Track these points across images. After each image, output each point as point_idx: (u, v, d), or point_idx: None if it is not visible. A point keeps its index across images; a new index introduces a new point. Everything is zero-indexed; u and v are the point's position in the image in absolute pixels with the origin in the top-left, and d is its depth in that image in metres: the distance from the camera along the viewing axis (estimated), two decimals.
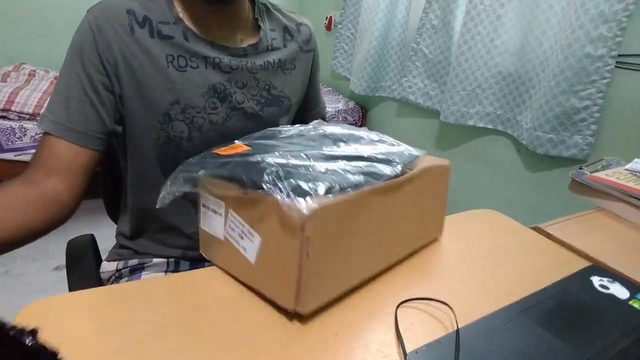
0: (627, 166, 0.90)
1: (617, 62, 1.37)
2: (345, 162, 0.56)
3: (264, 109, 0.80)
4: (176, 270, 0.81)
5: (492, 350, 0.48)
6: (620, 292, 0.61)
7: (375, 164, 0.57)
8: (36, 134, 1.94)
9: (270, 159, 0.53)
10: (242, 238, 0.53)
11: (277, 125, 0.83)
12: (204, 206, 0.58)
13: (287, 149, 0.58)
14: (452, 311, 0.55)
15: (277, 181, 0.48)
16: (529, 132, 1.62)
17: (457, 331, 0.50)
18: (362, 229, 0.54)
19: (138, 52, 0.69)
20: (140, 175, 0.78)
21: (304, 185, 0.48)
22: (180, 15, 0.73)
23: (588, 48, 1.39)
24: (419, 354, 0.47)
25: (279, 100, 0.83)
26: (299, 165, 0.52)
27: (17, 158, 1.94)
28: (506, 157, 1.82)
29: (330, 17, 2.86)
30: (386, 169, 0.57)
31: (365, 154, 0.59)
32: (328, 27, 2.88)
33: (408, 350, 0.47)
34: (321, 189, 0.48)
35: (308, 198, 0.46)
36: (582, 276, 0.64)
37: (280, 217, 0.47)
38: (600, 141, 1.47)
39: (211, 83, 0.74)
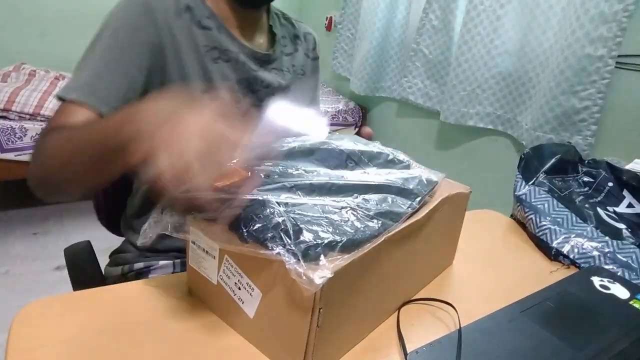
0: (627, 167, 0.90)
1: (617, 63, 1.37)
2: (358, 196, 0.50)
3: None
4: (183, 271, 0.80)
5: (493, 350, 0.48)
6: (620, 292, 0.61)
7: (391, 196, 0.52)
8: (36, 134, 1.94)
9: (274, 197, 0.46)
10: (240, 289, 0.47)
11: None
12: (194, 244, 0.51)
13: (291, 178, 0.51)
14: (456, 311, 0.55)
15: (283, 237, 0.42)
16: (529, 133, 1.62)
17: (460, 331, 0.50)
18: (375, 281, 0.49)
19: (183, 36, 0.71)
20: None
21: (314, 244, 0.42)
22: (213, 10, 0.76)
23: (588, 48, 1.39)
24: (419, 354, 0.47)
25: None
26: (307, 207, 0.46)
27: (17, 158, 1.93)
28: (506, 158, 1.82)
29: (330, 17, 2.85)
30: (404, 204, 0.51)
31: (379, 182, 0.53)
32: (328, 27, 2.88)
33: (409, 350, 0.47)
34: (334, 248, 0.42)
35: (321, 263, 0.40)
36: (583, 276, 0.64)
37: (288, 281, 0.41)
38: (601, 142, 1.47)
39: (238, 78, 0.77)
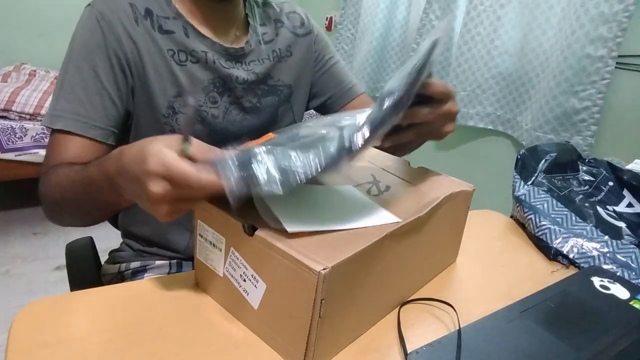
0: (628, 167, 0.90)
1: (617, 63, 1.37)
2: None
3: (262, 100, 0.82)
4: (178, 271, 0.80)
5: (493, 351, 0.48)
6: (620, 292, 0.61)
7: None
8: (37, 134, 1.94)
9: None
10: (245, 281, 0.48)
11: (277, 115, 0.84)
12: (201, 236, 0.52)
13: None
14: (455, 311, 0.55)
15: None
16: (529, 133, 1.62)
17: (459, 331, 0.50)
18: (377, 275, 0.49)
19: (144, 43, 0.70)
20: None
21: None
22: (179, 10, 0.74)
23: (588, 48, 1.39)
24: (419, 354, 0.47)
25: (277, 90, 0.84)
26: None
27: (18, 158, 1.93)
28: (506, 158, 1.82)
29: (331, 18, 2.85)
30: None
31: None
32: (328, 27, 2.88)
33: (409, 350, 0.47)
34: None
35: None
36: (583, 276, 0.64)
37: (291, 273, 0.42)
38: (601, 142, 1.47)
39: (211, 78, 0.75)
